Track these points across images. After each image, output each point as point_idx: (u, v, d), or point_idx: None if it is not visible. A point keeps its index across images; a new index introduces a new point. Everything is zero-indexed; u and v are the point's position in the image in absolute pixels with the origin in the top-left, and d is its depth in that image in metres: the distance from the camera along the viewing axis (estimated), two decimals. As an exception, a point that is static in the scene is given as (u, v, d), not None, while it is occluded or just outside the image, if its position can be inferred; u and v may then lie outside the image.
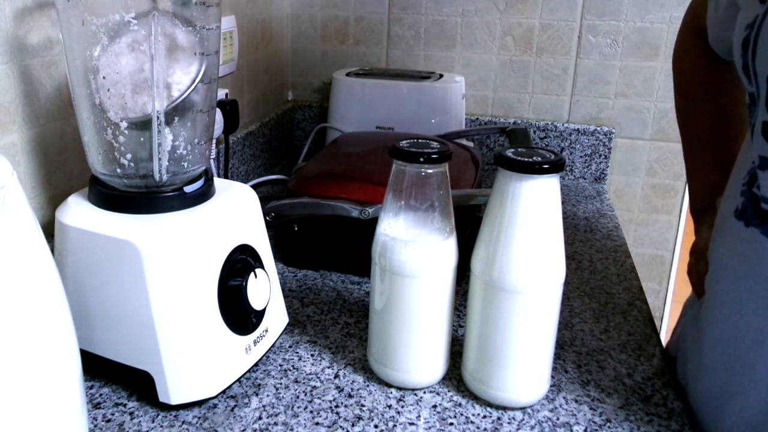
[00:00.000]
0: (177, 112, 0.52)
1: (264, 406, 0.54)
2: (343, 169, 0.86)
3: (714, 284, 0.52)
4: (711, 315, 0.52)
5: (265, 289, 0.56)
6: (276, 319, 0.60)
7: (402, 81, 1.14)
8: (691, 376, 0.56)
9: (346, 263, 0.78)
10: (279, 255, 0.80)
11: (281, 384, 0.57)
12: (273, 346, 0.61)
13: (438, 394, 0.56)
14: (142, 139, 0.52)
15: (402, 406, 0.55)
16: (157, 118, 0.51)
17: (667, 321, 1.31)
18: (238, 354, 0.54)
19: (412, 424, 0.52)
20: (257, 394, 0.55)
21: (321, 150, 0.93)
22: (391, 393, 0.56)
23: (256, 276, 0.54)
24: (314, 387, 0.57)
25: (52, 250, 0.41)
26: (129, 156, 0.52)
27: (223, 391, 0.54)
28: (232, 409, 0.53)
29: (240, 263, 0.55)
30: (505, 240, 0.50)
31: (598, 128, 1.19)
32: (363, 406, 0.54)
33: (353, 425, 0.52)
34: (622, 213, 1.24)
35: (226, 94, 1.00)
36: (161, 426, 0.51)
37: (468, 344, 0.56)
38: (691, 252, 0.67)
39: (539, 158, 0.49)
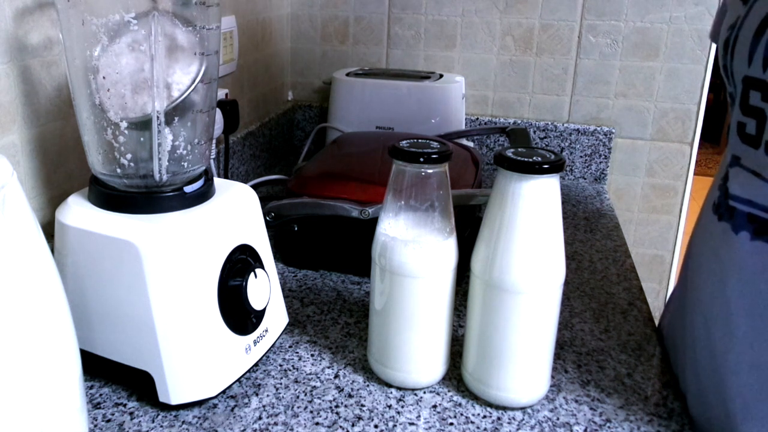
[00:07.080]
0: (177, 112, 0.52)
1: (264, 406, 0.54)
2: (343, 169, 0.86)
3: (692, 276, 0.54)
4: (691, 307, 0.53)
5: (265, 289, 0.56)
6: (276, 319, 0.60)
7: (402, 81, 1.13)
8: (680, 370, 0.57)
9: (346, 263, 0.78)
10: (279, 255, 0.80)
11: (281, 384, 0.57)
12: (273, 346, 0.61)
13: (438, 394, 0.56)
14: (142, 139, 0.52)
15: (402, 406, 0.55)
16: (157, 118, 0.51)
17: (667, 321, 1.31)
18: (238, 354, 0.54)
19: (412, 424, 0.52)
20: (257, 394, 0.55)
21: (321, 150, 0.93)
22: (391, 393, 0.56)
23: (256, 276, 0.54)
24: (314, 387, 0.57)
25: (52, 250, 0.41)
26: (129, 156, 0.52)
27: (223, 391, 0.54)
28: (232, 409, 0.53)
29: (240, 263, 0.55)
30: (505, 240, 0.50)
31: (598, 128, 1.19)
32: (363, 406, 0.54)
33: (353, 425, 0.52)
34: (622, 213, 1.24)
35: (226, 94, 1.00)
36: (161, 426, 0.51)
37: (468, 344, 0.56)
38: None
39: (539, 158, 0.49)
